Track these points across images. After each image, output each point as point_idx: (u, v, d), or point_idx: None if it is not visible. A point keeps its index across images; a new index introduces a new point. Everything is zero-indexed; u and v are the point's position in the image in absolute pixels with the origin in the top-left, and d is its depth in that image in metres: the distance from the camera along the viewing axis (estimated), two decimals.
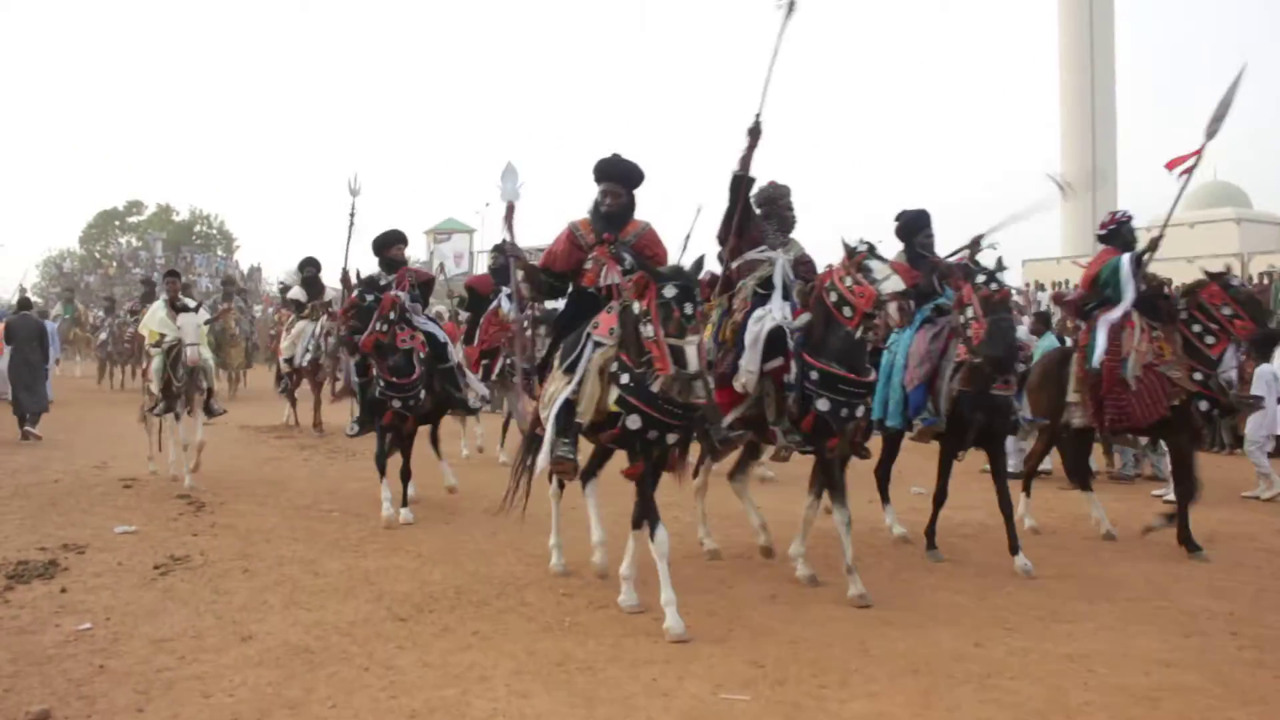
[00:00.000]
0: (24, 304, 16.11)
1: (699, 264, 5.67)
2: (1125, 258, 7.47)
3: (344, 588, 6.19)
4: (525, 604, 5.96)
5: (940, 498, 7.24)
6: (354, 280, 8.62)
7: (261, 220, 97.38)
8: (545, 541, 6.74)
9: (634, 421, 5.48)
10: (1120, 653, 5.06)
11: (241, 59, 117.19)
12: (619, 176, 6.48)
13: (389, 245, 8.60)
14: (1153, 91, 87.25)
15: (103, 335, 23.48)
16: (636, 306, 5.32)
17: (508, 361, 10.61)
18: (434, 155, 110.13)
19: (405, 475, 8.43)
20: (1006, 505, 6.90)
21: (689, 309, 5.12)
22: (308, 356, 13.75)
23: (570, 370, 5.85)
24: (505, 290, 10.77)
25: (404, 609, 5.76)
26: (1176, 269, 13.92)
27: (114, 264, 45.69)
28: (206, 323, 9.84)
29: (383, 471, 8.17)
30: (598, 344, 5.76)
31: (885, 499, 7.89)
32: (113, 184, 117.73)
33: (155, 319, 9.59)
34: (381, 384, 8.01)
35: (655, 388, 5.24)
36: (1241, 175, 51.51)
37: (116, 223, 55.07)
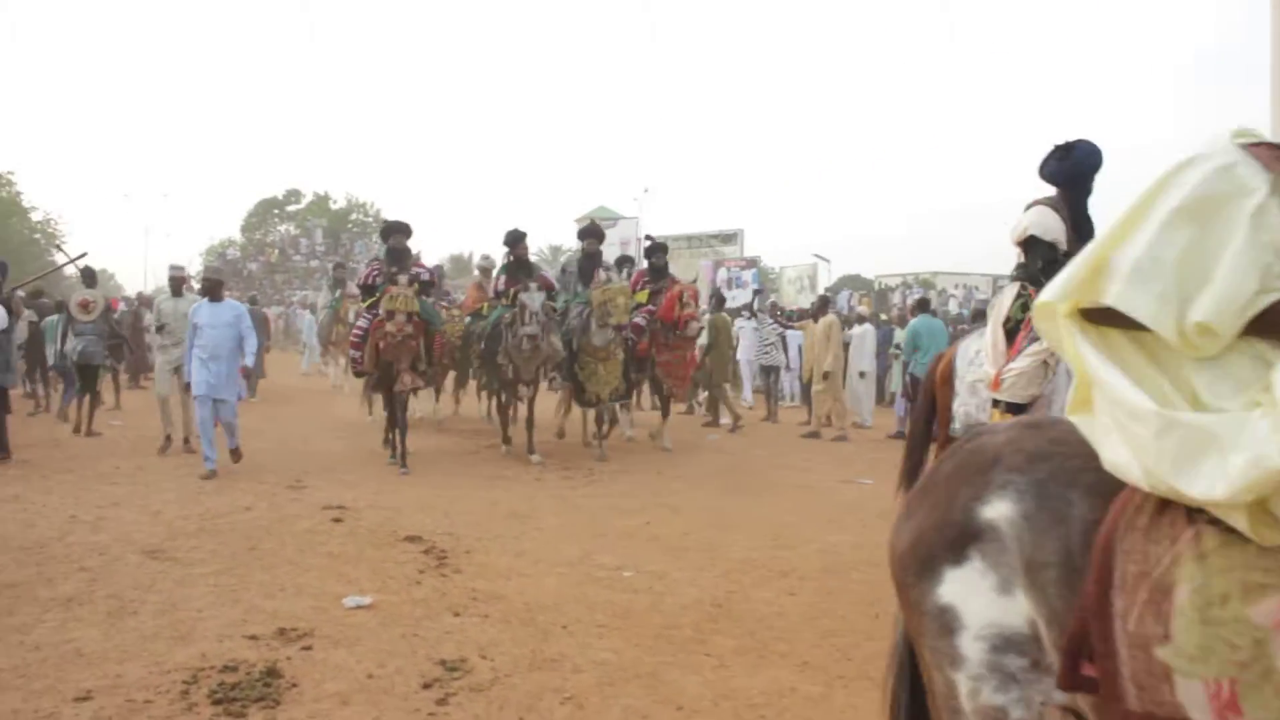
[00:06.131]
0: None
1: None
2: None
3: None
4: None
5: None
6: None
7: (414, 208, 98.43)
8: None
9: None
10: None
11: (393, 49, 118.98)
12: None
13: None
14: None
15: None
16: None
17: None
18: (582, 144, 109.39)
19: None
20: None
21: None
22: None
23: None
24: None
25: None
26: None
27: (275, 251, 45.40)
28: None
29: None
30: None
31: None
32: (272, 173, 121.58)
33: None
34: None
35: None
36: None
37: (276, 211, 55.15)
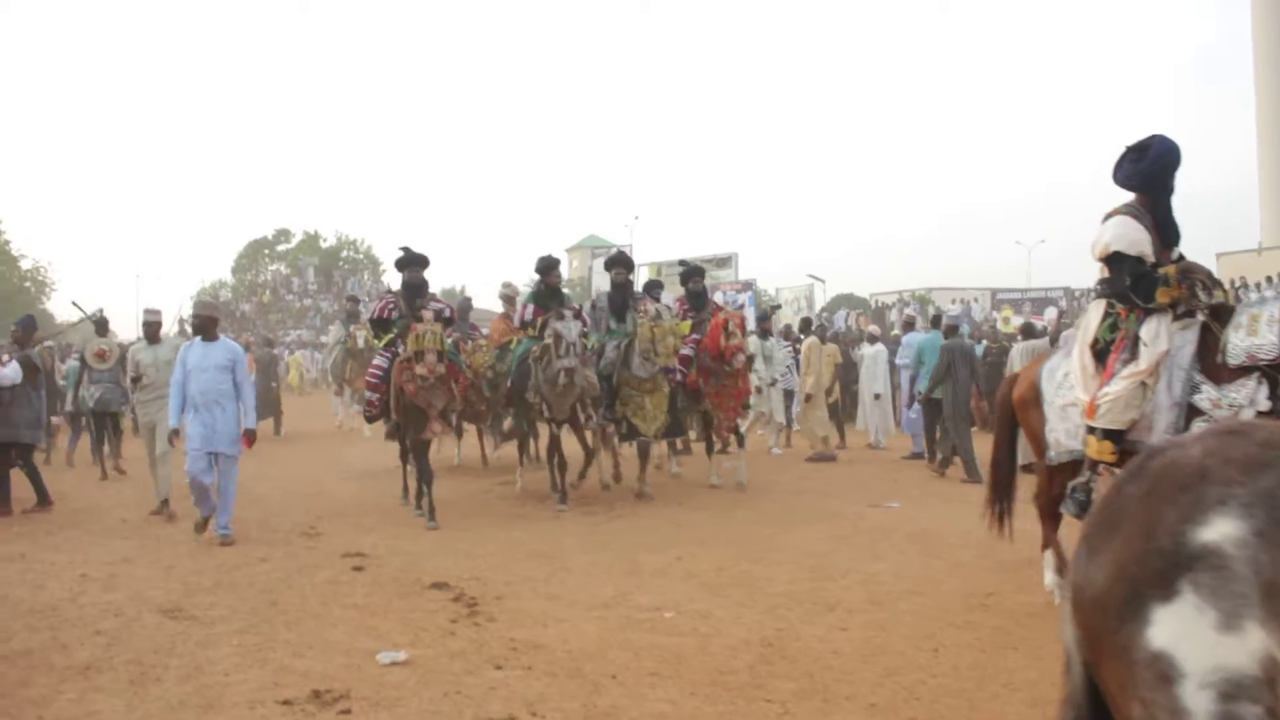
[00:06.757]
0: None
1: None
2: None
3: None
4: None
5: None
6: None
7: (404, 241, 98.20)
8: None
9: None
10: None
11: (379, 79, 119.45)
12: None
13: None
14: None
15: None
16: None
17: None
18: (571, 173, 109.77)
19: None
20: None
21: None
22: None
23: None
24: None
25: None
26: None
27: (267, 292, 45.15)
28: None
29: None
30: None
31: None
32: (261, 214, 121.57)
33: None
34: None
35: None
36: None
37: (266, 251, 55.00)
